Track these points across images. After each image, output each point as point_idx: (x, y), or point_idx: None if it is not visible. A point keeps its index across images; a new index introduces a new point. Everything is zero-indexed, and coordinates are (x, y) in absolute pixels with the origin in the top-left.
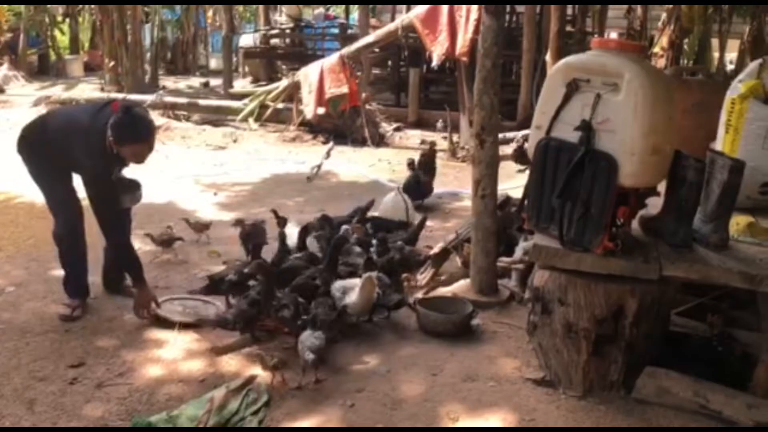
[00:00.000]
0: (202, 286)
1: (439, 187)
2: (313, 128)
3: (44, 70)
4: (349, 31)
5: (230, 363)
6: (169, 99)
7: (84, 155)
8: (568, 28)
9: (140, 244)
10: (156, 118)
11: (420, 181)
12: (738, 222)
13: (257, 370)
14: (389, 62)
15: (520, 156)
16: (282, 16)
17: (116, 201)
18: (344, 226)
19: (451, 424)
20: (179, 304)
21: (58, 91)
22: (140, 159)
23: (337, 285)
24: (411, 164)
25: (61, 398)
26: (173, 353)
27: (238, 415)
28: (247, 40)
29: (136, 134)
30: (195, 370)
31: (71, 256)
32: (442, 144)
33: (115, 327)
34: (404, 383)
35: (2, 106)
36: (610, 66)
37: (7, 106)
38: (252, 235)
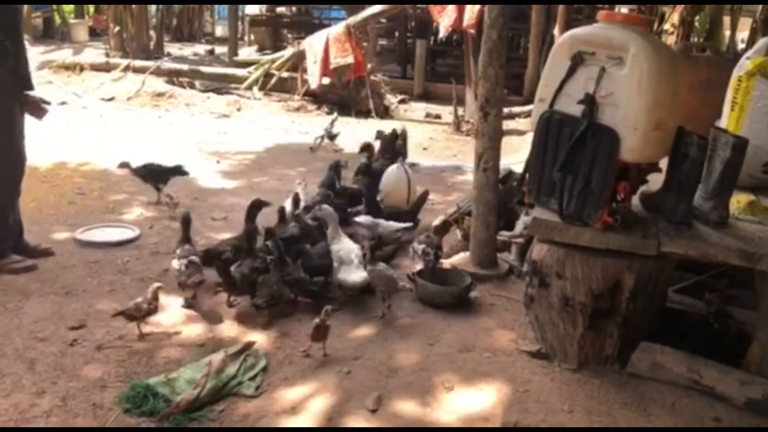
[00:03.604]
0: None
1: (443, 160)
2: (318, 98)
3: (49, 33)
4: None
5: (229, 329)
6: (173, 66)
7: None
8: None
9: (142, 210)
10: (160, 84)
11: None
12: (739, 200)
13: (255, 336)
14: (396, 33)
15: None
16: None
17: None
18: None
19: (445, 393)
20: (99, 231)
21: (63, 56)
22: None
23: (334, 250)
24: (366, 148)
25: (61, 359)
26: (173, 318)
27: (235, 379)
28: (254, 7)
29: None
30: (194, 335)
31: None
32: (447, 117)
33: (115, 291)
34: (400, 352)
35: None
36: (615, 39)
37: None
38: (147, 177)
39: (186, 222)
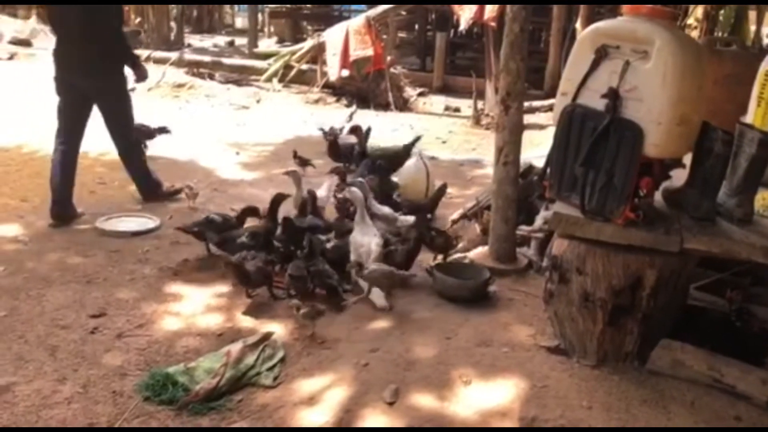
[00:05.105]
0: (191, 225)
1: (462, 154)
2: (336, 91)
3: None
4: None
5: (248, 319)
6: (193, 57)
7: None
8: None
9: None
10: (180, 75)
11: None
12: (764, 197)
13: (274, 327)
14: (416, 26)
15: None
16: None
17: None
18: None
19: (463, 387)
20: (120, 220)
21: None
22: None
23: (357, 242)
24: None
25: (82, 346)
26: (192, 307)
27: (254, 370)
28: None
29: None
30: (213, 325)
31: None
32: (467, 111)
33: (135, 280)
34: (418, 345)
35: (29, 60)
36: (640, 32)
37: (34, 59)
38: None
39: (278, 201)
